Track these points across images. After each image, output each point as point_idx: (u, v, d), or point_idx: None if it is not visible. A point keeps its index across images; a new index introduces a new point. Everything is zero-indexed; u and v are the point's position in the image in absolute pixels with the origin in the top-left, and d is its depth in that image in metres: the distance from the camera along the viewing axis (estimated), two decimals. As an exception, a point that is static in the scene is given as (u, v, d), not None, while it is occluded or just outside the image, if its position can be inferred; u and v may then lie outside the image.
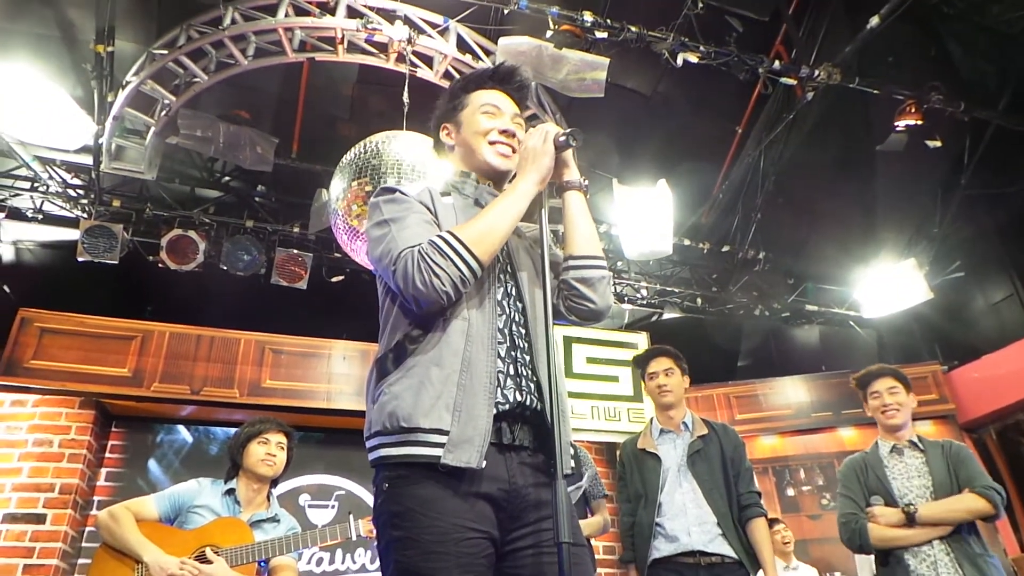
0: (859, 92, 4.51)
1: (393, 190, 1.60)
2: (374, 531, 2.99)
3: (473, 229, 1.45)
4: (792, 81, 4.36)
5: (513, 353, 1.50)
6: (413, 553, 1.31)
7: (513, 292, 1.58)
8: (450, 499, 1.34)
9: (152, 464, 5.24)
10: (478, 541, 1.34)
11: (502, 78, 1.75)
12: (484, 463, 1.35)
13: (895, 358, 6.77)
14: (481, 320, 1.48)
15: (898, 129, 4.58)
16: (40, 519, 4.59)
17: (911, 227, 6.18)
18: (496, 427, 1.42)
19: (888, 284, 6.05)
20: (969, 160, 5.45)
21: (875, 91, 4.51)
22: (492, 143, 1.65)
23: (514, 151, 1.65)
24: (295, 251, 5.45)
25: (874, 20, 3.91)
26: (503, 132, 1.65)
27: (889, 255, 6.12)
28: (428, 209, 1.57)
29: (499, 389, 1.44)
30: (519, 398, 1.45)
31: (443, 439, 1.34)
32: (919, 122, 4.54)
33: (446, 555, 1.30)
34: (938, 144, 4.68)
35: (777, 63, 4.33)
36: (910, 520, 2.80)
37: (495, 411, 1.41)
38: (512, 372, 1.48)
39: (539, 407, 1.46)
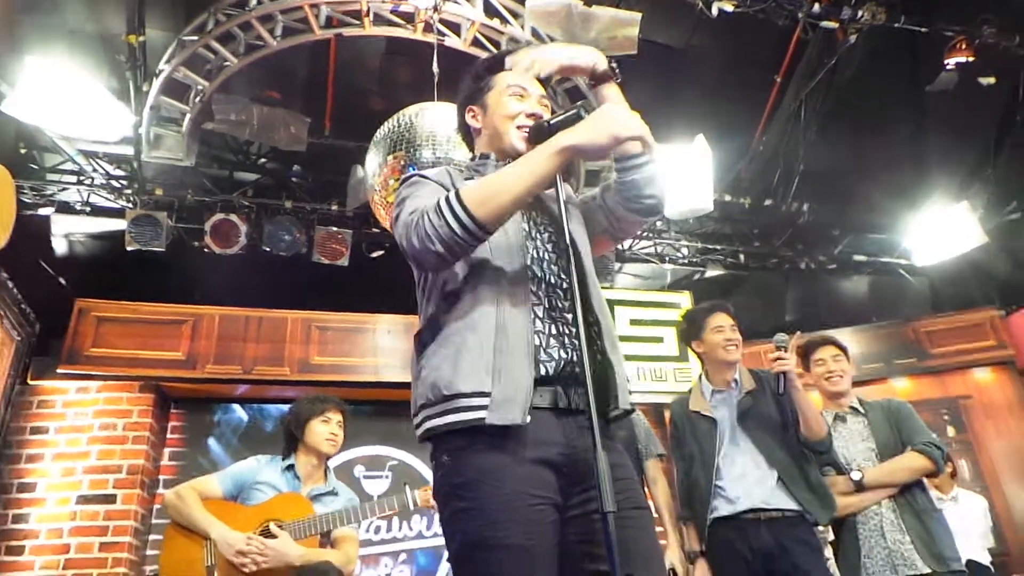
0: (905, 31, 4.31)
1: (413, 175, 1.62)
2: (430, 501, 3.07)
3: (478, 189, 1.40)
4: (834, 24, 4.18)
5: (553, 313, 1.49)
6: (479, 523, 1.31)
7: (546, 255, 1.56)
8: (511, 467, 1.34)
9: (212, 442, 5.42)
10: (542, 508, 1.34)
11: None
12: (529, 418, 1.34)
13: (949, 305, 6.58)
14: (513, 283, 1.47)
15: (948, 68, 4.37)
16: (111, 499, 4.80)
17: (964, 169, 5.94)
18: (552, 390, 1.42)
19: (940, 229, 5.84)
20: (1025, 96, 5.19)
21: (923, 29, 4.30)
22: (520, 127, 1.63)
23: None
24: (334, 228, 5.50)
25: (919, -47, 3.71)
26: (531, 116, 1.63)
27: (941, 199, 5.89)
28: (445, 188, 1.55)
29: (542, 349, 1.44)
30: (564, 355, 1.44)
31: (486, 401, 1.34)
32: (971, 59, 4.32)
33: (512, 523, 1.30)
34: (992, 81, 4.45)
35: (816, 6, 4.15)
36: (858, 486, 2.85)
37: (542, 371, 1.41)
38: (555, 332, 1.47)
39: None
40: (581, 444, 1.40)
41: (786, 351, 2.76)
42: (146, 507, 5.00)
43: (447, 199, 1.38)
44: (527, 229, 1.58)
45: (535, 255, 1.55)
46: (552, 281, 1.53)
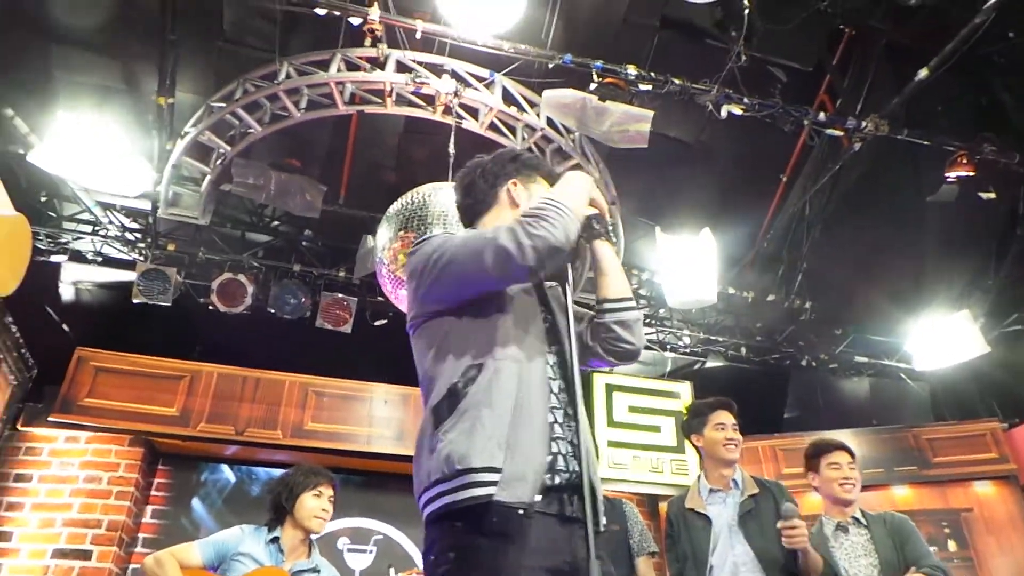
0: (908, 141, 4.45)
1: (436, 235, 1.64)
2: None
3: (563, 196, 1.53)
4: (838, 132, 4.33)
5: (567, 421, 1.50)
6: None
7: (554, 360, 1.59)
8: (522, 573, 1.31)
9: (196, 503, 5.32)
10: None
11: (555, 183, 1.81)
12: (539, 498, 1.34)
13: (950, 414, 6.52)
14: (532, 369, 1.49)
15: (949, 180, 4.48)
16: (87, 555, 4.68)
17: (964, 278, 6.00)
18: (560, 498, 1.41)
19: (941, 336, 5.85)
20: (1025, 211, 5.30)
21: (925, 143, 4.43)
22: None
23: None
24: (340, 295, 5.54)
25: (923, 72, 3.86)
26: None
27: (941, 306, 5.93)
28: None
29: (560, 456, 1.44)
30: (576, 468, 1.44)
31: (496, 476, 1.32)
32: (971, 173, 4.44)
33: None
34: (992, 196, 4.55)
35: (822, 114, 4.30)
36: None
37: (556, 480, 1.41)
38: (562, 435, 1.48)
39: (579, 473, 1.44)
40: (580, 554, 1.38)
41: (798, 520, 2.64)
42: (121, 566, 4.86)
43: (548, 202, 1.49)
44: (543, 326, 1.62)
45: (552, 359, 1.58)
46: (562, 387, 1.55)
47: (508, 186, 1.74)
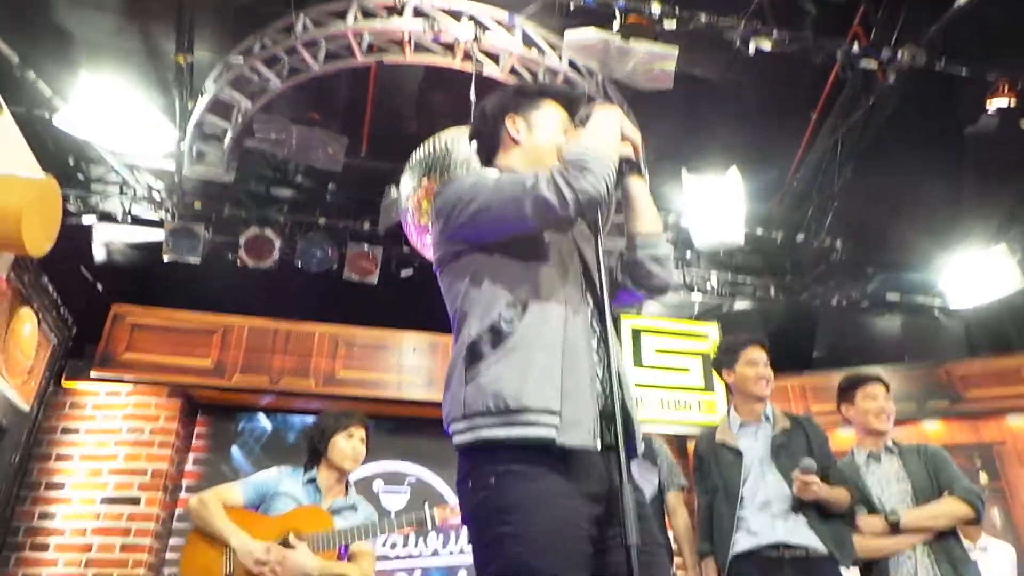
0: (945, 73, 4.27)
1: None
2: (448, 519, 3.07)
3: (601, 144, 1.50)
4: (873, 64, 4.16)
5: (604, 347, 1.51)
6: (526, 549, 1.29)
7: (588, 293, 1.59)
8: (564, 497, 1.34)
9: (235, 450, 5.50)
10: (585, 539, 1.35)
11: (570, 103, 1.78)
12: (600, 445, 1.37)
13: (985, 348, 6.44)
14: (575, 310, 1.50)
15: (989, 112, 4.31)
16: (135, 501, 4.89)
17: (1002, 212, 5.83)
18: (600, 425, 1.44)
19: (977, 271, 5.71)
20: (1068, 140, 5.09)
21: (963, 69, 4.24)
22: None
23: None
24: (366, 246, 5.57)
25: (961, -1, 3.69)
26: None
27: (977, 241, 5.78)
28: None
29: (598, 381, 1.47)
30: (608, 393, 1.46)
31: (554, 420, 1.34)
32: (1012, 101, 4.27)
33: (560, 554, 1.29)
34: (1033, 125, 4.38)
35: (856, 46, 4.14)
36: (893, 528, 2.77)
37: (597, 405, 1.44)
38: (605, 364, 1.49)
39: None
40: (616, 480, 1.40)
41: (813, 476, 2.66)
42: (168, 511, 5.08)
43: (591, 151, 1.46)
44: (576, 264, 1.62)
45: (583, 287, 1.59)
46: (596, 318, 1.56)
47: (506, 123, 1.73)
